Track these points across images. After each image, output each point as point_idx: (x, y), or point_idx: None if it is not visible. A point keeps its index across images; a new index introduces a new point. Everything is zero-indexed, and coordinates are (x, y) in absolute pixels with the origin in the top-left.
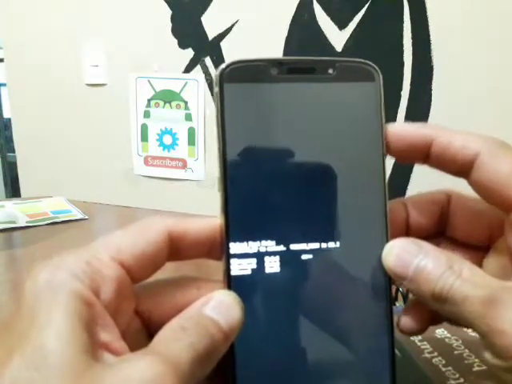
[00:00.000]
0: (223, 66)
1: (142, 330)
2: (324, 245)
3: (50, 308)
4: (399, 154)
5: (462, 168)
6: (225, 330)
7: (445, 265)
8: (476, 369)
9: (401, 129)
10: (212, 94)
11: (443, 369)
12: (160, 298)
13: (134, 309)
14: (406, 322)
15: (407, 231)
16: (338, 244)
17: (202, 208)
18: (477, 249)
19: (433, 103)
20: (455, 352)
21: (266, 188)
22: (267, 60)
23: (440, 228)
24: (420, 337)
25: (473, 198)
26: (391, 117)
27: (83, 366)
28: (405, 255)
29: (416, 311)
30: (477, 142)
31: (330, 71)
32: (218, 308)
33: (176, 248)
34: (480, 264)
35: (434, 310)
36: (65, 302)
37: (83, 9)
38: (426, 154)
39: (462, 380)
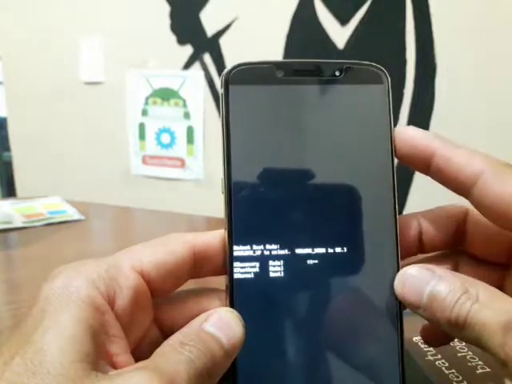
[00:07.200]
0: (229, 67)
1: (161, 340)
2: (330, 250)
3: (58, 312)
4: (403, 159)
5: (462, 185)
6: (226, 347)
7: (460, 289)
8: (480, 371)
9: (408, 134)
10: (211, 92)
11: (446, 371)
12: (182, 306)
13: (152, 319)
14: (430, 335)
15: (421, 247)
16: (344, 250)
17: (201, 208)
18: (498, 266)
19: (436, 101)
20: (458, 354)
21: (271, 191)
22: (273, 62)
23: (456, 244)
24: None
25: None
26: (394, 115)
27: (79, 375)
28: (416, 283)
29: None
30: (480, 160)
31: (337, 73)
32: (219, 324)
33: (198, 263)
34: (502, 283)
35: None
36: (75, 308)
37: (80, 6)
38: (427, 165)
39: (465, 383)
